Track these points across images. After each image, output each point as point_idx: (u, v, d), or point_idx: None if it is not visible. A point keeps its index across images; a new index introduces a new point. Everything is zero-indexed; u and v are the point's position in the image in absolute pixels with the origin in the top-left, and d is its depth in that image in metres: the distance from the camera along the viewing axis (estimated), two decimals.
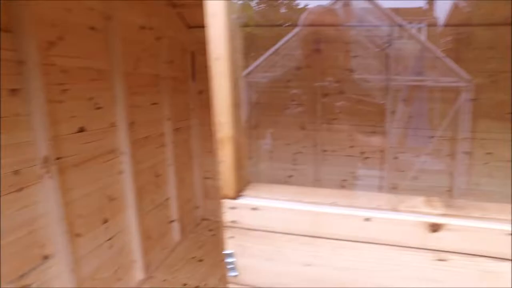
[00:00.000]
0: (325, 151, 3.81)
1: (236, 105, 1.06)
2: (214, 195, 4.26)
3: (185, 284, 2.92)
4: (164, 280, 3.00)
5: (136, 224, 2.87)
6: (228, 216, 1.10)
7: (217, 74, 1.01)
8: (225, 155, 1.07)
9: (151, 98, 3.15)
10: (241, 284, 1.16)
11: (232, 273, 1.14)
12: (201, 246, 3.61)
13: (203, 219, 4.31)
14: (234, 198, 1.09)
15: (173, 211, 3.61)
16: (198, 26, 3.87)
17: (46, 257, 2.01)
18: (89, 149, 2.35)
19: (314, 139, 3.81)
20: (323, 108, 3.70)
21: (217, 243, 3.65)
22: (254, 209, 1.07)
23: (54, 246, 2.05)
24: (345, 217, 1.03)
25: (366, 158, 3.69)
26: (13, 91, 1.76)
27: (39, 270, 1.96)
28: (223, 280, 2.92)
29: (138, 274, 2.96)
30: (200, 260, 3.32)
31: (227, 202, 1.10)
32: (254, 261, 1.12)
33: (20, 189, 1.82)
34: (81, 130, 2.27)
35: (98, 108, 2.43)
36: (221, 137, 1.05)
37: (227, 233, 1.12)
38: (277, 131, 3.94)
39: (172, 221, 3.61)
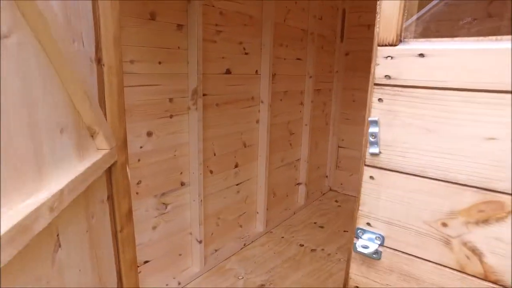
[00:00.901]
0: None
1: None
2: (345, 166, 4.38)
3: (302, 245, 3.15)
4: (282, 237, 3.29)
5: (264, 177, 3.19)
6: (381, 69, 0.92)
7: None
8: None
9: (295, 53, 3.37)
10: (379, 167, 0.97)
11: (372, 149, 0.96)
12: (324, 214, 3.79)
13: (331, 190, 4.47)
14: (394, 44, 0.90)
15: (301, 174, 3.85)
16: None
17: (182, 184, 2.44)
18: (232, 92, 2.70)
19: None
20: None
21: (342, 214, 3.79)
22: (421, 55, 0.86)
23: (190, 175, 2.47)
24: None
25: None
26: (179, 26, 2.16)
27: (176, 194, 2.41)
28: (342, 249, 3.07)
29: (258, 226, 3.31)
30: (321, 227, 3.50)
31: (384, 50, 0.91)
32: (405, 133, 0.91)
33: (171, 116, 2.25)
34: (228, 72, 2.62)
35: (246, 53, 2.75)
36: None
37: (375, 94, 0.94)
38: None
39: (299, 183, 3.87)
